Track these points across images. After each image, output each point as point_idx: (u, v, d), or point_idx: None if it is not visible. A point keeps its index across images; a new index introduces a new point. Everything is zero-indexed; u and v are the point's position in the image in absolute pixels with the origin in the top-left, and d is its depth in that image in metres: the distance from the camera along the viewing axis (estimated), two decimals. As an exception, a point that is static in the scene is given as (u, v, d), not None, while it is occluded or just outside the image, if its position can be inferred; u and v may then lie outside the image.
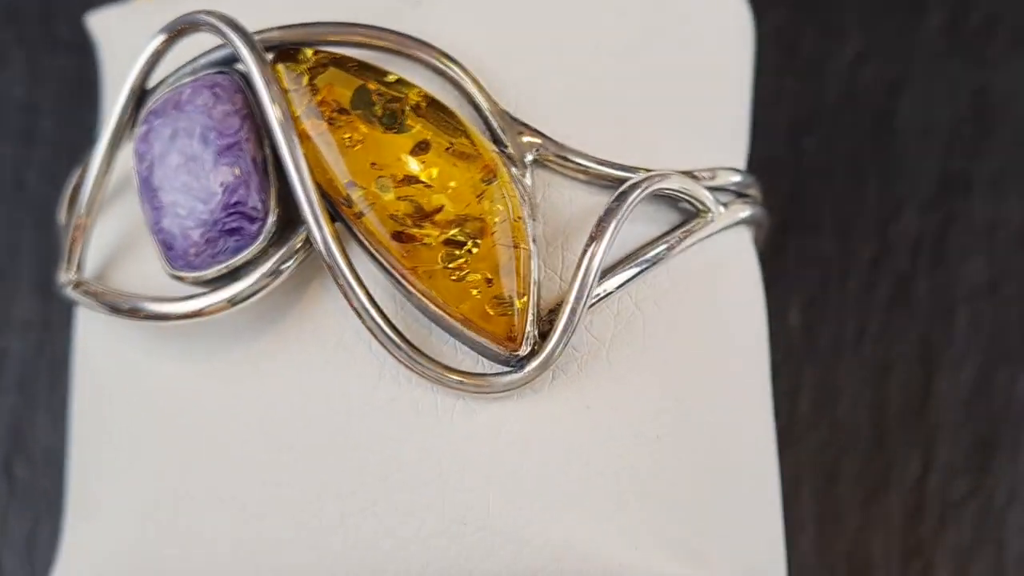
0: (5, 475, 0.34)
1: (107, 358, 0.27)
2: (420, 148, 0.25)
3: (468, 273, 0.24)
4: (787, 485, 0.33)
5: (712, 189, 0.28)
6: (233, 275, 0.25)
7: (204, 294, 0.25)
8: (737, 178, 0.29)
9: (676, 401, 0.25)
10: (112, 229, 0.28)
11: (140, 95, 0.26)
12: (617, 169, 0.26)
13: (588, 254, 0.25)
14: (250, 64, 0.25)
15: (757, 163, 0.36)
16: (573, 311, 0.25)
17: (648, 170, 0.26)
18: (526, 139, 0.26)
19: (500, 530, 0.24)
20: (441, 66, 0.26)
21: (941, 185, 0.35)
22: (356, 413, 0.25)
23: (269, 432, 0.26)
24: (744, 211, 0.28)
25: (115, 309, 0.26)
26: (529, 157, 0.26)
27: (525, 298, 0.25)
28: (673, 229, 0.26)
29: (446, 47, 0.26)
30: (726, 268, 0.28)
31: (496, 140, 0.26)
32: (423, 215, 0.25)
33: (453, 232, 0.25)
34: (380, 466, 0.25)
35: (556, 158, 0.26)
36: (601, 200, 0.26)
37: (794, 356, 0.34)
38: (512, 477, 0.25)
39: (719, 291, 0.27)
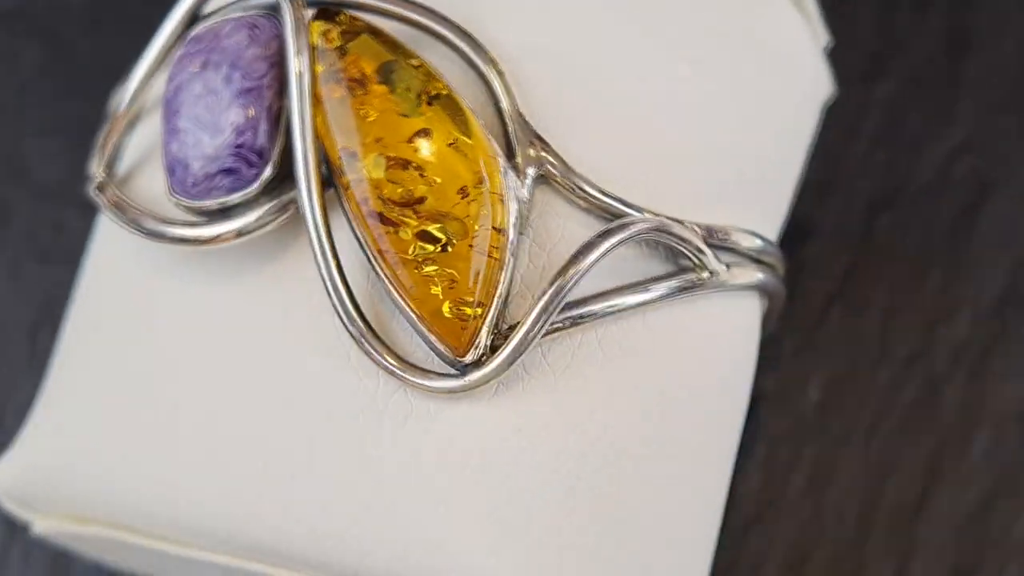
0: (29, 341, 0.36)
1: (112, 256, 0.28)
2: (423, 135, 0.25)
3: (435, 270, 0.24)
4: (752, 557, 0.32)
5: (724, 249, 0.27)
6: (225, 213, 0.26)
7: (215, 223, 0.26)
8: (755, 243, 0.28)
9: (607, 449, 0.25)
10: (147, 142, 0.28)
11: (193, 19, 0.27)
12: (618, 203, 0.26)
13: (556, 282, 0.24)
14: (285, 11, 0.25)
15: (826, 229, 0.35)
16: (527, 333, 0.24)
17: (654, 213, 0.26)
18: (536, 152, 0.26)
19: (385, 529, 0.25)
20: (474, 57, 0.26)
21: (1003, 299, 0.34)
22: (298, 379, 0.25)
23: (221, 373, 0.26)
24: (750, 277, 0.27)
25: (137, 225, 0.27)
26: (533, 171, 0.25)
27: (484, 308, 0.25)
28: (660, 278, 0.26)
29: (487, 39, 0.26)
30: (712, 330, 0.27)
31: (507, 146, 0.26)
32: (408, 202, 0.25)
33: (431, 227, 0.25)
34: (307, 440, 0.25)
35: (561, 179, 0.26)
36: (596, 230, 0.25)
37: (801, 430, 0.33)
38: (421, 479, 0.25)
39: (696, 351, 0.26)
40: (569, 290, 0.24)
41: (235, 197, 0.26)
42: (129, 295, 0.28)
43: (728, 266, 0.27)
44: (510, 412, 0.25)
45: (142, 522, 0.27)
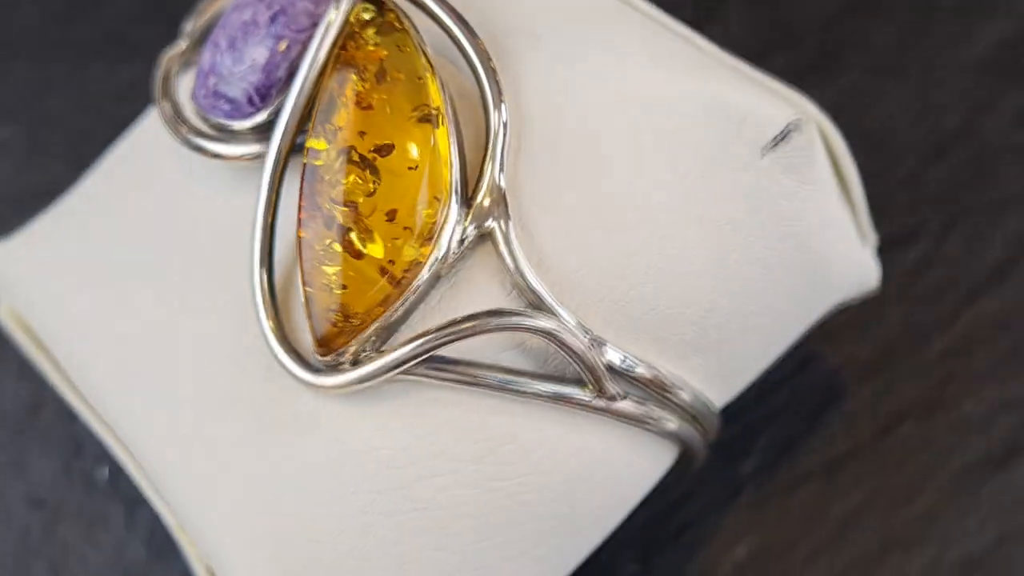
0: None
1: (140, 144, 0.31)
2: (391, 148, 0.26)
3: (335, 272, 0.25)
4: None
5: (660, 396, 0.27)
6: (222, 135, 0.27)
7: (244, 143, 0.27)
8: (691, 399, 0.28)
9: (426, 510, 0.26)
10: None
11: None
12: (536, 293, 0.26)
13: (425, 337, 0.25)
14: None
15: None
16: (381, 367, 0.25)
17: (576, 321, 0.26)
18: (495, 208, 0.26)
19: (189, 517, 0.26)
20: (487, 89, 0.26)
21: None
22: (211, 316, 0.27)
23: (171, 274, 0.28)
24: (663, 425, 0.27)
25: (184, 140, 0.28)
26: (481, 224, 0.26)
27: (363, 325, 0.25)
28: (542, 376, 0.26)
29: (512, 76, 0.27)
30: (585, 450, 0.27)
31: (472, 186, 0.26)
32: (344, 201, 0.26)
33: (353, 233, 0.25)
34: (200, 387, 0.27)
35: (503, 243, 0.26)
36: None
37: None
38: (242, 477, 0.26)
39: (557, 463, 0.27)
40: (437, 346, 0.25)
41: (230, 123, 0.27)
42: (146, 169, 0.30)
43: (626, 396, 0.27)
44: (354, 434, 0.26)
45: (62, 360, 0.29)
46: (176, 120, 0.28)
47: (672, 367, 0.27)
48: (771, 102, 0.27)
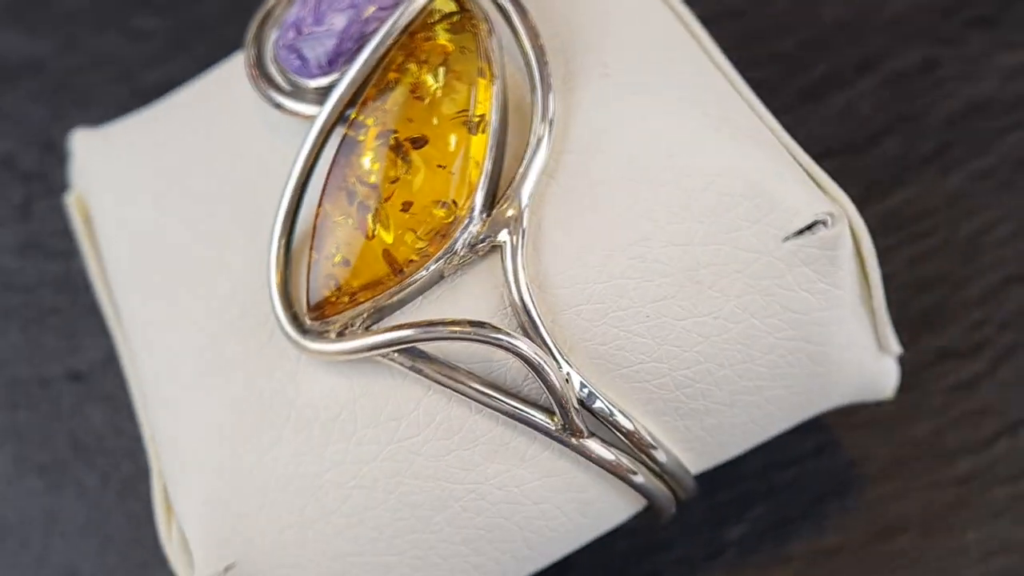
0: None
1: (230, 75, 0.31)
2: (426, 143, 0.26)
3: (336, 246, 0.26)
4: None
5: (634, 450, 0.27)
6: (291, 88, 0.28)
7: (305, 102, 0.28)
8: (660, 456, 0.28)
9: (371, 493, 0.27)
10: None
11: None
12: (529, 317, 0.26)
13: (404, 329, 0.26)
14: None
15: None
16: (358, 348, 0.26)
17: (562, 359, 0.26)
18: (512, 222, 0.26)
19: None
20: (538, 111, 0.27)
21: None
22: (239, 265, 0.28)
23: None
24: (619, 467, 0.27)
25: (255, 85, 0.29)
26: (494, 235, 0.26)
27: (354, 303, 0.26)
28: (513, 395, 0.26)
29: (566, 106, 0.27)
30: (539, 477, 0.27)
31: (494, 193, 0.27)
32: (368, 180, 0.26)
33: (370, 215, 0.26)
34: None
35: (509, 255, 0.26)
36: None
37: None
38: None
39: (510, 486, 0.27)
40: (416, 340, 0.26)
41: (298, 79, 0.28)
42: (228, 101, 0.31)
43: (591, 435, 0.27)
44: (325, 400, 0.27)
45: (106, 254, 0.31)
46: (255, 65, 0.29)
47: (652, 424, 0.28)
48: (806, 192, 0.26)
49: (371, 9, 0.28)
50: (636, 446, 0.27)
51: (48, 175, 0.42)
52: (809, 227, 0.26)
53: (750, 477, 0.35)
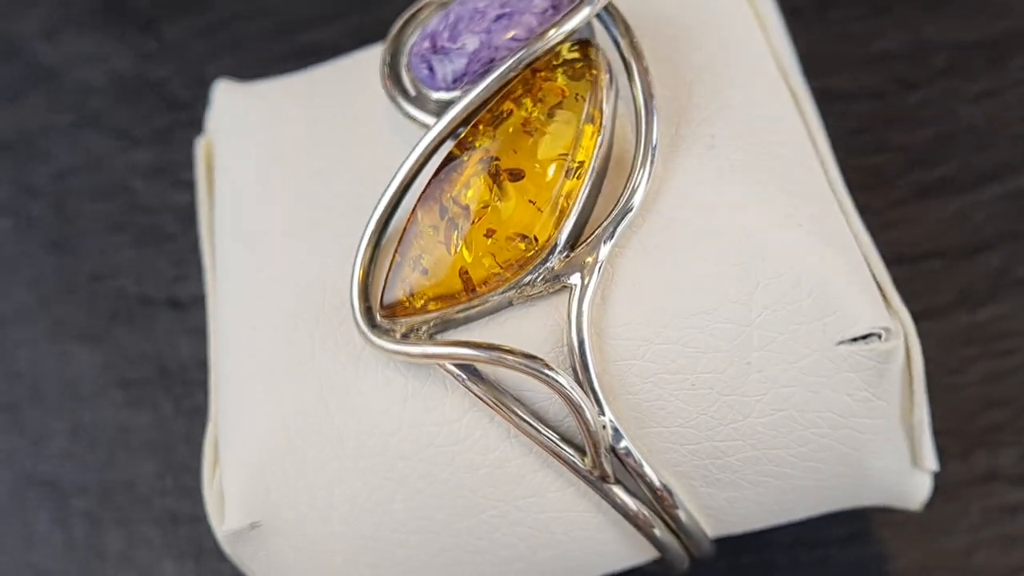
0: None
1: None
2: (523, 177, 0.28)
3: (426, 255, 0.28)
4: None
5: (656, 504, 0.29)
6: (417, 96, 0.30)
7: (424, 111, 0.30)
8: (681, 515, 0.29)
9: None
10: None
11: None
12: (580, 359, 0.27)
13: (466, 348, 0.27)
14: (584, 8, 0.28)
15: None
16: (412, 352, 0.27)
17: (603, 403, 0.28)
18: (588, 258, 0.28)
19: None
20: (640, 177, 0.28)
21: None
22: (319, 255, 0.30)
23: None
24: (639, 517, 0.28)
25: (383, 83, 0.30)
26: (566, 277, 0.28)
27: (423, 311, 0.28)
28: (552, 434, 0.28)
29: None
30: (559, 508, 0.29)
31: (575, 242, 0.28)
32: (463, 203, 0.28)
33: (455, 235, 0.28)
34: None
35: (576, 298, 0.27)
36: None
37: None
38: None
39: (523, 500, 0.29)
40: (474, 359, 0.27)
41: (424, 88, 0.30)
42: (365, 86, 0.32)
43: (618, 482, 0.28)
44: (376, 394, 0.28)
45: (218, 209, 0.33)
46: (388, 64, 0.30)
47: (676, 483, 0.29)
48: (870, 302, 0.27)
49: (503, 38, 0.29)
50: (658, 501, 0.29)
51: (194, 108, 0.44)
52: (865, 336, 0.27)
53: (777, 547, 0.35)
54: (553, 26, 0.28)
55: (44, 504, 0.38)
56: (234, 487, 0.28)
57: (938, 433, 0.36)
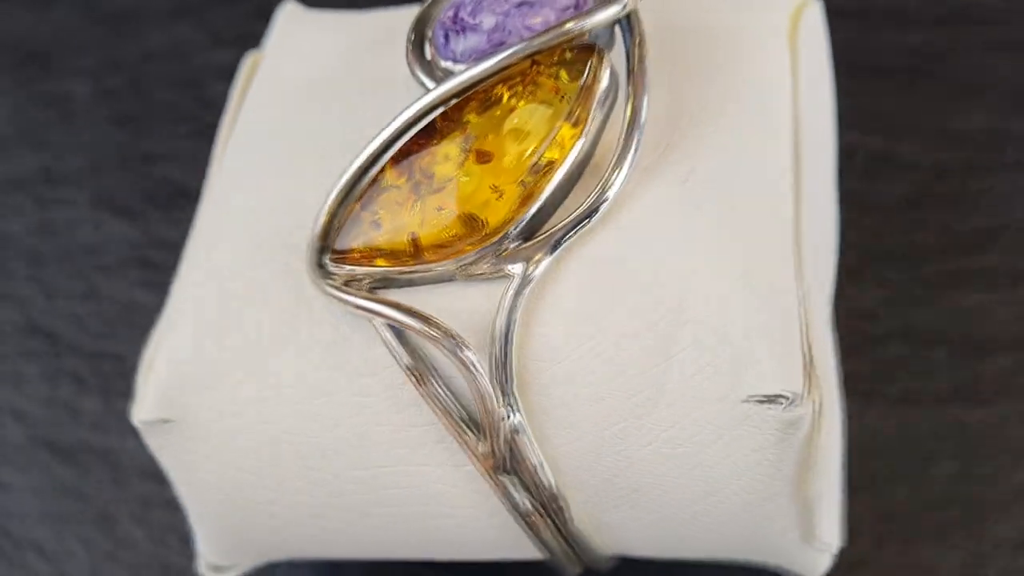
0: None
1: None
2: (493, 159, 0.28)
3: (384, 213, 0.29)
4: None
5: (545, 508, 0.29)
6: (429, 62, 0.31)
7: (430, 77, 0.30)
8: (571, 526, 0.29)
9: None
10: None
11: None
12: (503, 346, 0.28)
13: (391, 308, 0.28)
14: (607, 9, 0.29)
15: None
16: (352, 302, 0.28)
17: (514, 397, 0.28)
18: (536, 255, 0.28)
19: None
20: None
21: None
22: None
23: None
24: (521, 513, 0.29)
25: (407, 44, 0.31)
26: (509, 261, 0.28)
27: (372, 262, 0.29)
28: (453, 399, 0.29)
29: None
30: (439, 478, 0.29)
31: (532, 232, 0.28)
32: (430, 178, 0.29)
33: (418, 201, 0.28)
34: None
35: (515, 286, 0.28)
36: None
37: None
38: None
39: (404, 459, 0.30)
40: (394, 321, 0.28)
41: (434, 53, 0.30)
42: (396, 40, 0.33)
43: (511, 473, 0.29)
44: (323, 328, 0.29)
45: (240, 121, 0.34)
46: (414, 27, 0.31)
47: (573, 493, 0.29)
48: (789, 366, 0.27)
49: (519, 23, 0.30)
50: (550, 502, 0.29)
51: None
52: (772, 399, 0.27)
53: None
54: (566, 22, 0.29)
55: (39, 355, 0.40)
56: (155, 380, 0.30)
57: (884, 518, 0.35)
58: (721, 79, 0.31)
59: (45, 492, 0.39)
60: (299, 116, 0.33)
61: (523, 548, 0.31)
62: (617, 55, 0.30)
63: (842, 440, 0.32)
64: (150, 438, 0.30)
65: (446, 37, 0.30)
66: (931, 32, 0.44)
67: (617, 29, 0.30)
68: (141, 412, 0.30)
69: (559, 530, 0.30)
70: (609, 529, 0.30)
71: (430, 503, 0.30)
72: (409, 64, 0.31)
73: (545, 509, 0.29)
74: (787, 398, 0.27)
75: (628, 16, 0.30)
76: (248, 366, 0.29)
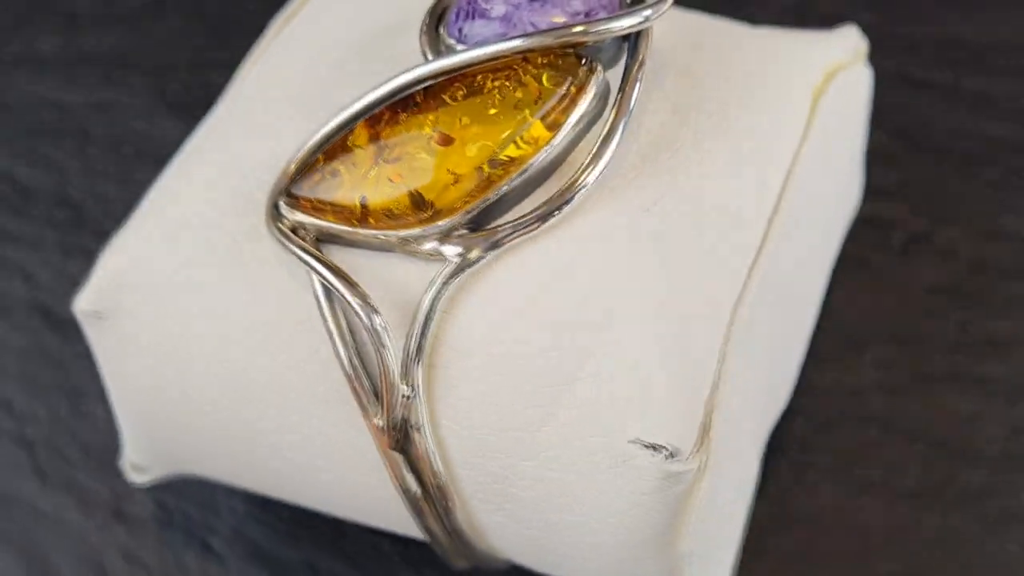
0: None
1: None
2: (453, 143, 0.28)
3: (345, 171, 0.29)
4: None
5: (431, 495, 0.29)
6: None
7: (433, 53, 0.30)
8: (454, 519, 0.30)
9: None
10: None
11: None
12: (421, 327, 0.28)
13: (319, 263, 0.28)
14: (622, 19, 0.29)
15: None
16: (284, 239, 0.29)
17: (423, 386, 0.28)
18: (474, 250, 0.28)
19: None
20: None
21: None
22: None
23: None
24: (411, 496, 0.29)
25: (419, 28, 0.31)
26: (440, 248, 0.28)
27: (319, 212, 0.29)
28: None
29: None
30: (335, 433, 0.30)
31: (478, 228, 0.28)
32: (393, 149, 0.29)
33: (375, 168, 0.29)
34: None
35: (451, 269, 0.28)
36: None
37: None
38: None
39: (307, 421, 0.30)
40: (323, 280, 0.28)
41: (443, 30, 0.31)
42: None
43: (410, 465, 0.29)
44: (269, 262, 0.30)
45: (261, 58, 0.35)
46: (439, 2, 0.31)
47: (462, 485, 0.29)
48: (680, 423, 0.27)
49: (525, 18, 0.29)
50: (437, 490, 0.29)
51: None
52: (658, 447, 0.27)
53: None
54: (568, 26, 0.29)
55: (63, 226, 0.42)
56: (99, 275, 0.31)
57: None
58: (725, 120, 0.31)
59: (29, 355, 0.40)
60: (309, 69, 0.33)
61: (412, 527, 0.31)
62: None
63: (747, 510, 0.31)
64: (87, 328, 0.31)
65: (458, 17, 0.30)
66: (1009, 125, 0.42)
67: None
68: (80, 302, 0.31)
69: (442, 521, 0.30)
70: (491, 531, 0.30)
71: (328, 460, 0.30)
72: (420, 37, 0.31)
73: (432, 497, 0.29)
74: (668, 451, 0.27)
75: (636, 35, 0.30)
76: (187, 283, 0.30)
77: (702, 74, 0.31)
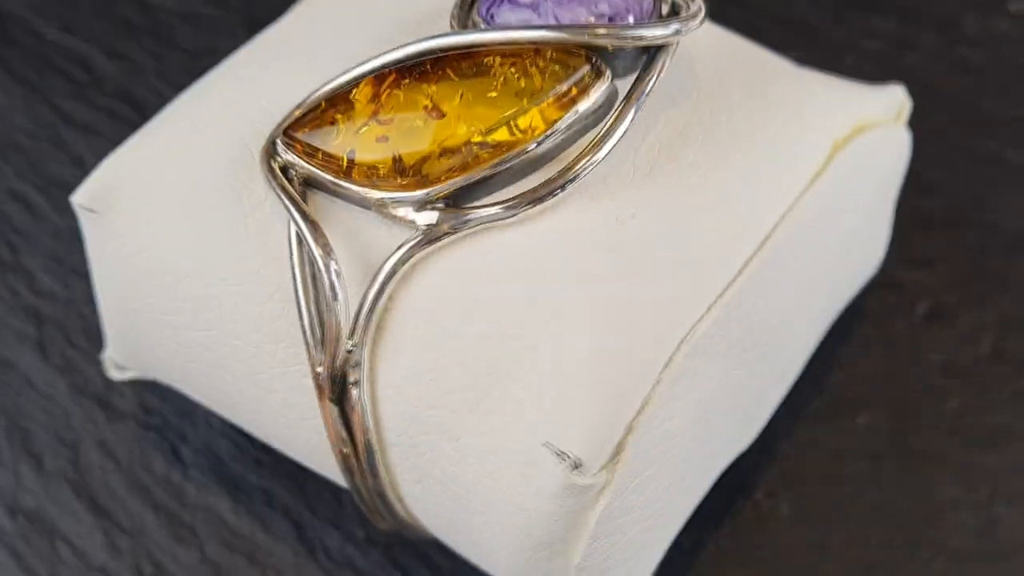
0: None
1: None
2: (437, 111, 0.29)
3: (342, 121, 0.30)
4: None
5: (359, 452, 0.30)
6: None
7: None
8: (376, 480, 0.30)
9: None
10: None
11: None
12: (375, 295, 0.28)
13: (297, 210, 0.29)
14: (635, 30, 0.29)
15: None
16: (276, 186, 0.30)
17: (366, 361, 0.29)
18: (444, 227, 0.28)
19: None
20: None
21: None
22: None
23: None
24: (345, 458, 0.30)
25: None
26: (405, 218, 0.29)
27: (310, 159, 0.30)
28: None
29: None
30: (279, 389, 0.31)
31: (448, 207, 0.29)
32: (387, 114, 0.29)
33: (366, 127, 0.29)
34: None
35: (418, 238, 0.29)
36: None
37: None
38: None
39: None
40: (298, 230, 0.29)
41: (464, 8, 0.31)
42: None
43: (344, 419, 0.30)
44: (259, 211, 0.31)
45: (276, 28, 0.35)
46: None
47: (389, 448, 0.30)
48: (595, 441, 0.27)
49: (548, 11, 0.30)
50: (364, 447, 0.30)
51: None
52: (564, 455, 0.27)
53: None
54: (585, 27, 0.29)
55: (81, 84, 0.44)
56: (99, 173, 0.32)
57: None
58: (732, 152, 0.30)
59: (64, 236, 0.42)
60: (337, 30, 0.33)
61: (341, 479, 0.32)
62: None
63: (670, 540, 0.31)
64: (83, 222, 0.32)
65: (491, 1, 0.31)
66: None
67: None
68: (77, 195, 0.32)
69: (367, 481, 0.30)
70: (411, 501, 0.30)
71: (273, 397, 0.31)
72: (452, 11, 0.31)
73: (359, 455, 0.30)
74: (574, 461, 0.27)
75: (657, 49, 0.29)
76: (179, 198, 0.31)
77: (724, 101, 0.31)
